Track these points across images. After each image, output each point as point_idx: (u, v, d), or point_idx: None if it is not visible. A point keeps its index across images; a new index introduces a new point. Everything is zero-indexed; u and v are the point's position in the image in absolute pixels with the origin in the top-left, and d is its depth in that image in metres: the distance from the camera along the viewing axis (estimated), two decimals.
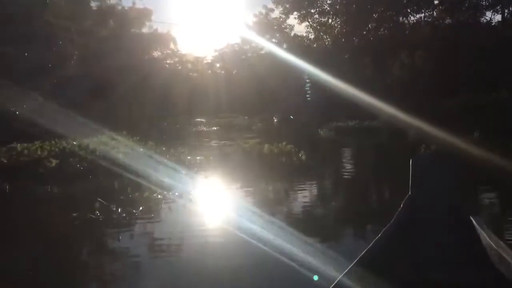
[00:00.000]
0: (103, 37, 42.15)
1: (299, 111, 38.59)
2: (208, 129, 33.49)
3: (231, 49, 63.28)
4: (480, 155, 12.81)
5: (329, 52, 45.93)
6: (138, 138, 16.74)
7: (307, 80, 40.28)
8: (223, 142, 20.92)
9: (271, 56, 48.13)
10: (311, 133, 25.08)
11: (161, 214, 8.06)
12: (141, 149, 13.72)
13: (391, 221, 5.28)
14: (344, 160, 16.78)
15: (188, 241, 6.40)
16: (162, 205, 8.55)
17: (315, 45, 47.76)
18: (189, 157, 13.60)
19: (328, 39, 46.46)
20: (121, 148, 13.26)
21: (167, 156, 13.19)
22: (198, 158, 13.71)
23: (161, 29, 56.86)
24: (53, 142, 14.26)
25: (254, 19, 51.09)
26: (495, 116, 23.37)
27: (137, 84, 40.82)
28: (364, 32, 42.81)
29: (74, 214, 7.47)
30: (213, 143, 21.78)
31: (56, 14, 33.59)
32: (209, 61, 71.92)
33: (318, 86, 37.54)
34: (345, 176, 12.77)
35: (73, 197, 9.19)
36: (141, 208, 8.03)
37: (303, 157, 13.21)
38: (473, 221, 5.32)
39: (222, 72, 66.60)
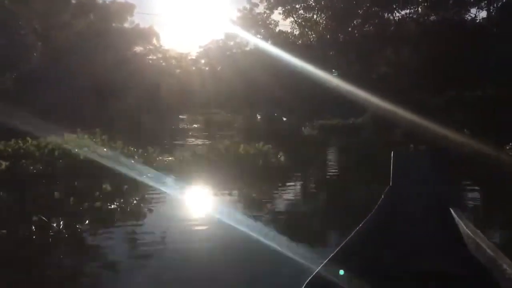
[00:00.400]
0: (81, 30, 40.56)
1: (284, 108, 37.48)
2: (188, 127, 32.17)
3: (215, 45, 61.83)
4: (470, 153, 12.22)
5: (314, 48, 44.90)
6: (108, 137, 15.37)
7: (292, 77, 39.05)
8: (199, 140, 19.71)
9: (256, 53, 46.94)
10: (293, 131, 23.99)
11: (108, 230, 6.78)
12: (107, 150, 12.40)
13: (372, 212, 5.34)
14: (325, 162, 15.71)
15: (133, 270, 5.22)
16: (115, 216, 7.36)
17: (300, 42, 46.61)
18: (158, 158, 12.36)
19: (313, 35, 45.33)
20: (85, 149, 11.95)
21: (135, 157, 11.93)
22: (168, 159, 12.47)
23: (144, 24, 54.57)
24: (12, 141, 12.88)
25: (238, 14, 49.73)
26: (482, 113, 22.66)
27: (118, 80, 39.45)
28: (349, 29, 41.78)
29: (4, 231, 6.22)
30: (189, 141, 20.55)
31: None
32: (194, 57, 70.62)
33: (303, 83, 36.50)
34: (326, 180, 11.73)
35: (13, 207, 7.90)
36: (87, 221, 6.81)
37: (282, 159, 12.11)
38: (452, 211, 5.53)
39: (207, 68, 65.20)
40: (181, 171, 11.23)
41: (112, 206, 7.75)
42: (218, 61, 59.73)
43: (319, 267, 3.50)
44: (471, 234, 4.69)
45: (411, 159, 7.88)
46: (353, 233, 4.48)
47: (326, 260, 3.68)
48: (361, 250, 4.29)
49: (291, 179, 11.29)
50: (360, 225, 4.77)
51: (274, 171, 11.29)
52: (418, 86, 33.65)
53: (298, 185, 10.91)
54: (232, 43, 57.36)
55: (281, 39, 46.77)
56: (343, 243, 4.15)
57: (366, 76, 36.42)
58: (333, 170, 13.65)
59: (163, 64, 60.80)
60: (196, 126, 32.61)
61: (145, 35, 48.98)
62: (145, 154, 12.50)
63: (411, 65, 35.77)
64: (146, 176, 9.99)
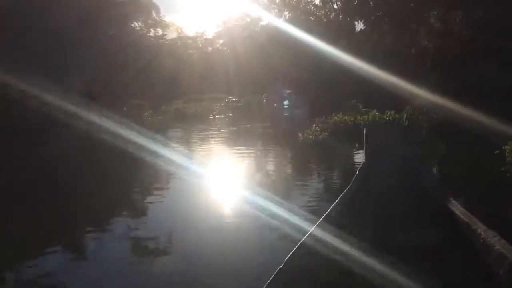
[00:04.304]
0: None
1: (301, 92, 28.65)
2: (151, 120, 22.83)
3: (228, 24, 53.12)
4: None
5: (337, 20, 35.70)
6: None
7: (310, 56, 29.72)
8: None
9: (269, 29, 38.33)
10: (290, 135, 15.27)
11: None
12: None
13: (346, 189, 5.42)
14: None
15: None
16: None
17: (322, 12, 37.25)
18: None
19: (338, 3, 35.73)
20: None
21: None
22: None
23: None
24: None
25: None
26: None
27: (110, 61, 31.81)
28: None
29: None
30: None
31: None
32: (209, 37, 62.41)
33: (322, 64, 27.59)
34: None
35: None
36: None
37: None
38: (425, 182, 5.81)
39: (224, 48, 57.15)
40: None
41: None
42: (232, 40, 51.47)
43: (296, 247, 3.62)
44: (445, 202, 4.86)
45: (384, 135, 7.86)
46: (329, 210, 4.55)
47: (303, 238, 3.78)
48: (338, 227, 4.21)
49: None
50: (335, 202, 4.80)
51: None
52: (474, 63, 24.14)
53: None
54: (249, 19, 48.50)
55: (300, 11, 37.74)
56: (320, 219, 4.26)
57: (405, 51, 27.19)
58: None
59: (178, 44, 53.20)
60: (159, 118, 23.87)
61: (142, 8, 40.38)
62: None
63: (463, 35, 26.27)
64: None
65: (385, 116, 12.67)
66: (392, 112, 12.85)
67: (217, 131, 20.00)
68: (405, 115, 12.40)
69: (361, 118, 12.39)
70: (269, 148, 15.02)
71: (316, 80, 28.42)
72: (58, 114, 18.31)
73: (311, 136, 12.55)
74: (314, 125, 14.04)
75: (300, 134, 13.15)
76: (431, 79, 20.32)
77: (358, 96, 20.24)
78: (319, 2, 36.86)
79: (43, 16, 29.29)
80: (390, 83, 20.07)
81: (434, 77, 19.68)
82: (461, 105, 11.50)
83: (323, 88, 26.70)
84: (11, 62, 21.67)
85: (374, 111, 13.28)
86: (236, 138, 17.41)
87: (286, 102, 28.57)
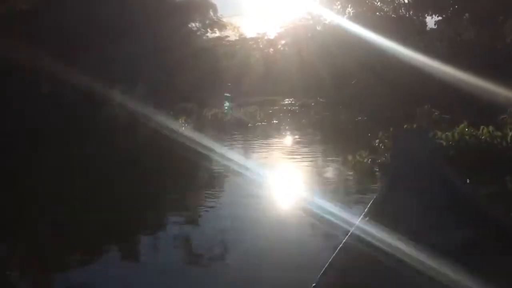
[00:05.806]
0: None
1: (360, 98, 25.52)
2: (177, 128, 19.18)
3: (290, 24, 50.71)
4: None
5: (407, 16, 31.99)
6: None
7: (376, 56, 26.37)
8: None
9: (334, 27, 35.42)
10: (340, 156, 11.72)
11: None
12: None
13: (374, 197, 5.17)
14: None
15: None
16: None
17: (390, 7, 33.63)
18: None
19: None
20: None
21: None
22: None
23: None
24: None
25: None
26: None
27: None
28: None
29: None
30: None
31: None
32: (271, 37, 60.36)
33: (391, 65, 24.35)
34: None
35: None
36: None
37: None
38: (456, 186, 5.34)
39: (286, 49, 54.89)
40: None
41: None
42: (290, 41, 49.09)
43: (330, 260, 3.42)
44: (476, 205, 4.63)
45: (409, 141, 7.08)
46: (359, 219, 4.39)
47: (337, 249, 3.65)
48: (370, 233, 4.14)
49: None
50: (363, 213, 4.63)
51: None
52: None
53: None
54: (309, 17, 45.71)
55: (365, 7, 34.35)
56: (352, 228, 4.11)
57: (488, 49, 23.22)
58: None
59: (238, 47, 51.47)
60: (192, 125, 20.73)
61: (199, 7, 38.57)
62: None
63: None
64: None
65: (479, 134, 9.20)
66: (491, 128, 9.28)
67: (232, 146, 15.79)
68: (510, 134, 9.02)
69: (443, 135, 9.20)
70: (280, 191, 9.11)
71: (384, 83, 25.12)
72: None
73: (365, 160, 9.24)
74: (377, 140, 11.12)
75: (349, 157, 9.68)
76: None
77: (433, 101, 16.88)
78: None
79: (99, 18, 28.26)
80: (471, 85, 16.78)
81: None
82: None
83: (392, 91, 23.37)
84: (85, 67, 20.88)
85: (463, 125, 9.65)
86: (248, 166, 11.98)
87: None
